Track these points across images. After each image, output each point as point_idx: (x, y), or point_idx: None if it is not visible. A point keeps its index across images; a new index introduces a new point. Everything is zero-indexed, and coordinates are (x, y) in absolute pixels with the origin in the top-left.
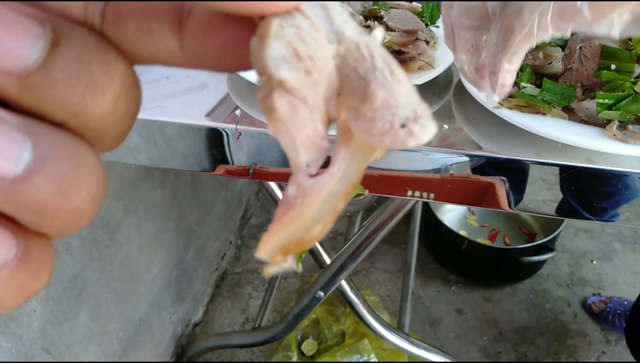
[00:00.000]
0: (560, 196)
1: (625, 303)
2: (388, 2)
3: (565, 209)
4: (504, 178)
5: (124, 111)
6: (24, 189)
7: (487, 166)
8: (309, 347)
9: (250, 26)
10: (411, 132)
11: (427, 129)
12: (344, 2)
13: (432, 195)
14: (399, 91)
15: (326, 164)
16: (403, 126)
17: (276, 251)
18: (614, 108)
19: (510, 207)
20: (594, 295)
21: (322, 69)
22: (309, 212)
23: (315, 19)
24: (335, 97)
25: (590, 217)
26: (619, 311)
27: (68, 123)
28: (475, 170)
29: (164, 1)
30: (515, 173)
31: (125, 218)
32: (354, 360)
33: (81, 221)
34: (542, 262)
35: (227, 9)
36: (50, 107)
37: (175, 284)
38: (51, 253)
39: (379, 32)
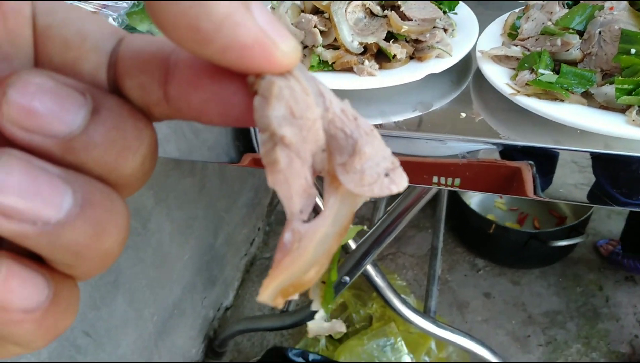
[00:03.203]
0: (592, 178)
1: None
2: None
3: (599, 196)
4: (531, 162)
5: (148, 168)
6: (64, 233)
7: (514, 151)
8: None
9: (236, 88)
10: (393, 181)
11: (403, 176)
12: None
13: (457, 181)
14: (378, 145)
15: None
16: (387, 175)
17: (276, 294)
18: (633, 93)
19: (538, 194)
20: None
21: (310, 128)
22: (305, 255)
23: (306, 84)
24: (321, 152)
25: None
26: None
27: (101, 177)
28: (502, 155)
29: (151, 58)
30: (544, 157)
31: (156, 206)
32: (381, 343)
33: (107, 263)
34: (573, 246)
35: (230, 63)
36: (87, 165)
37: (206, 269)
38: (76, 293)
39: (346, 102)
